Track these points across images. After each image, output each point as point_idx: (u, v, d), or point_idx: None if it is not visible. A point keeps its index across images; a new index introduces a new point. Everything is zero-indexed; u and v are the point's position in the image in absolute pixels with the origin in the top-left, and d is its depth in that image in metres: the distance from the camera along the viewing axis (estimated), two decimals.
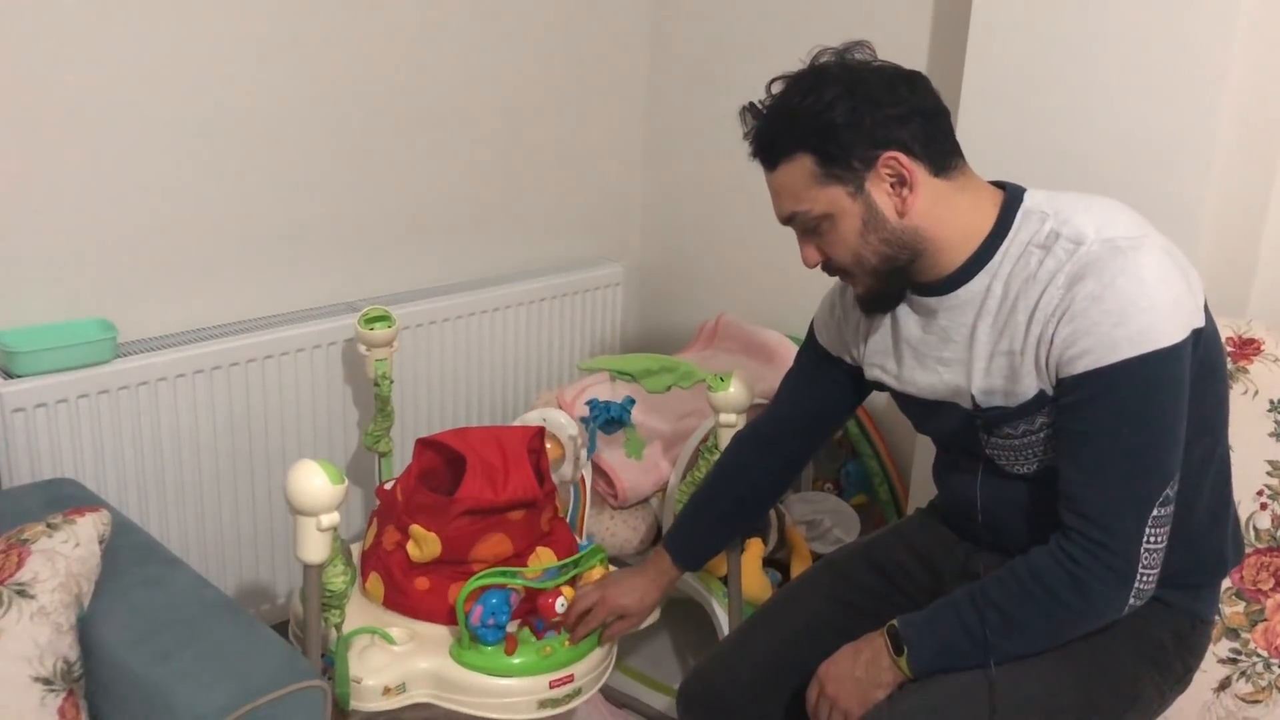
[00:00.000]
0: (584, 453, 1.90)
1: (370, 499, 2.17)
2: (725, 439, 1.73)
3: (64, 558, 1.32)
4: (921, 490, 2.08)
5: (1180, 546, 1.21)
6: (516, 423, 1.98)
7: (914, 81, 1.24)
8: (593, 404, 1.89)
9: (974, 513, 1.37)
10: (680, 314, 2.63)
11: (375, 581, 1.62)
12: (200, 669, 1.26)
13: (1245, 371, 1.51)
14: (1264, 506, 1.47)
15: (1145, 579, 1.17)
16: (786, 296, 2.42)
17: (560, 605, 1.51)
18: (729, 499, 1.59)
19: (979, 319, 1.25)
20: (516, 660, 1.50)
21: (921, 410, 1.38)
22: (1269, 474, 1.47)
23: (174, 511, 1.91)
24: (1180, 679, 1.33)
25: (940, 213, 1.24)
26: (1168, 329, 1.14)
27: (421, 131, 2.19)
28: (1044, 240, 1.20)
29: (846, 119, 1.20)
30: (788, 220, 1.29)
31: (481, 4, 2.21)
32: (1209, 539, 1.31)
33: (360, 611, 1.60)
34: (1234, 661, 1.46)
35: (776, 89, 1.27)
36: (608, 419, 1.88)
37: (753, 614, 1.54)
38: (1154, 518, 1.16)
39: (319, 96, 2.02)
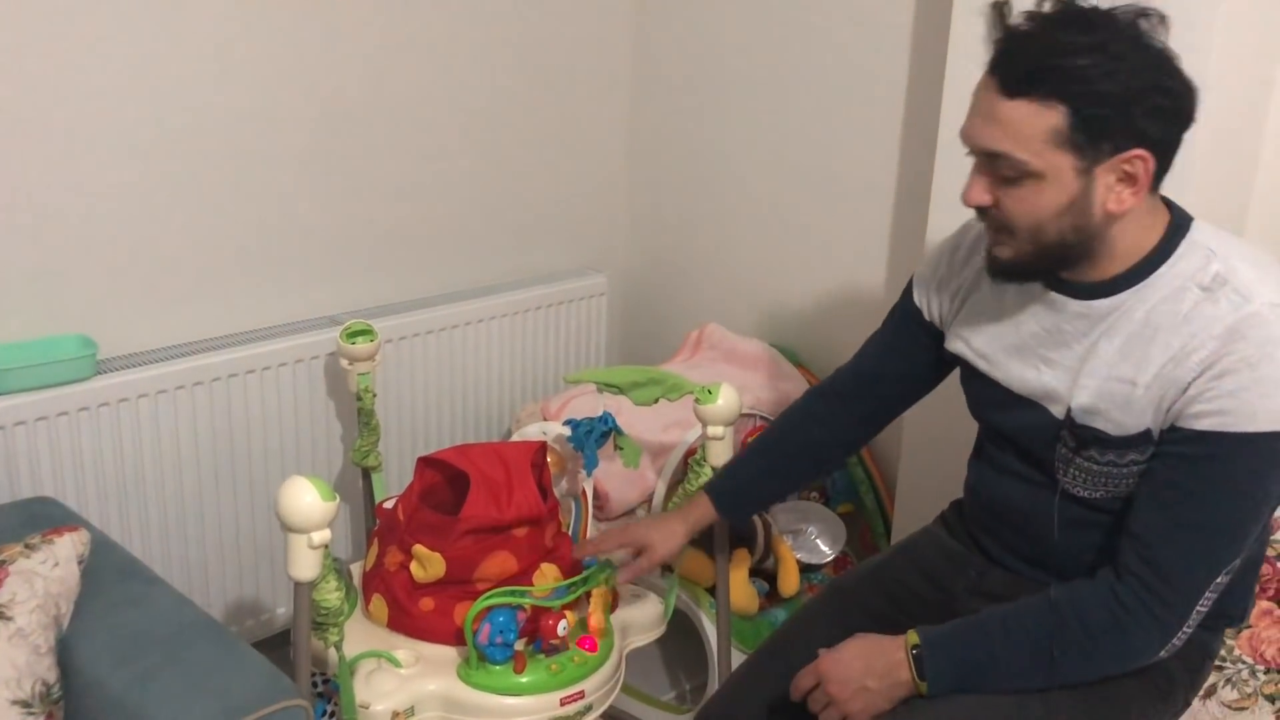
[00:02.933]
0: (583, 472, 1.90)
1: (355, 515, 2.15)
2: (713, 451, 1.73)
3: (42, 578, 1.31)
4: (908, 498, 2.08)
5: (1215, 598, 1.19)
6: (516, 437, 1.97)
7: (1186, 80, 1.12)
8: (574, 424, 1.87)
9: (1037, 528, 1.30)
10: (665, 324, 2.63)
11: (379, 603, 1.61)
12: (181, 690, 1.25)
13: None
14: None
15: (1181, 636, 1.17)
16: (771, 306, 2.43)
17: (562, 628, 1.51)
18: (782, 451, 1.53)
19: (1105, 335, 1.19)
20: (526, 679, 1.48)
21: (999, 400, 1.30)
22: None
23: (156, 529, 1.90)
24: (1179, 711, 1.33)
25: (1134, 224, 1.16)
26: None
27: (402, 143, 2.19)
28: (1209, 283, 1.14)
29: (1124, 97, 1.08)
30: (985, 154, 1.14)
31: (461, 14, 2.21)
32: (1238, 591, 1.29)
33: (365, 634, 1.59)
34: (1220, 669, 1.46)
35: (1052, 9, 1.12)
36: (603, 432, 1.87)
37: (763, 644, 1.52)
38: (1216, 584, 1.15)
39: (298, 110, 2.02)
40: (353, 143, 2.11)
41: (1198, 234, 1.18)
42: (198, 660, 1.30)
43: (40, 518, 1.53)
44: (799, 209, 2.33)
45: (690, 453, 1.95)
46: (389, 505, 1.70)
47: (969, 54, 1.79)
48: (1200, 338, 1.12)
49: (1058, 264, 1.20)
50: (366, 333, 1.91)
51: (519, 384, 2.40)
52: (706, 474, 1.76)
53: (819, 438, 1.52)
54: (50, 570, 1.32)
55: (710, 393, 1.70)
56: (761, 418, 2.09)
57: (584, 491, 1.87)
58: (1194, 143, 1.57)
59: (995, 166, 1.14)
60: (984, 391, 1.33)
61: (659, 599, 1.78)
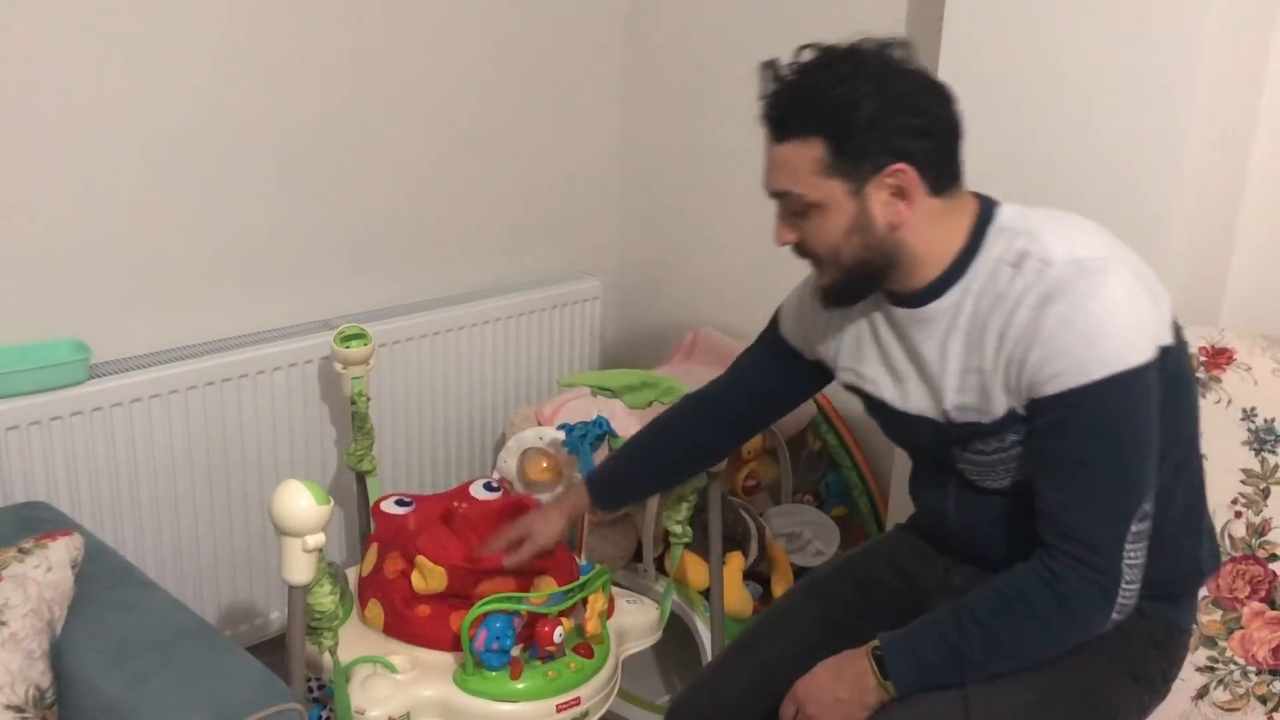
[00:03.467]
0: (578, 475, 1.91)
1: (349, 519, 2.15)
2: None
3: (35, 583, 1.31)
4: (901, 502, 2.08)
5: (1155, 557, 1.22)
6: (511, 443, 1.99)
7: (941, 95, 1.23)
8: (569, 429, 1.88)
9: (948, 526, 1.38)
10: (659, 328, 2.63)
11: (375, 608, 1.61)
12: (175, 694, 1.25)
13: (1218, 381, 1.52)
14: (1239, 515, 1.48)
15: (1126, 594, 1.18)
16: (765, 309, 2.41)
17: (558, 635, 1.51)
18: (658, 450, 1.61)
19: (950, 335, 1.26)
20: (522, 685, 1.49)
21: (893, 419, 1.38)
22: (1243, 482, 1.48)
23: (149, 534, 1.90)
24: (1159, 689, 1.34)
25: (926, 230, 1.24)
26: (1137, 349, 1.15)
27: (396, 147, 2.19)
28: (1014, 259, 1.20)
29: (871, 119, 1.18)
30: (776, 195, 1.27)
31: (455, 19, 2.22)
32: (1183, 549, 1.32)
33: (360, 639, 1.59)
34: (1211, 670, 1.47)
35: (808, 57, 1.24)
36: (599, 435, 1.89)
37: (737, 637, 1.53)
38: (1133, 533, 1.17)
39: (291, 114, 2.02)
40: (346, 147, 2.11)
41: (1003, 218, 1.25)
42: (191, 664, 1.29)
43: (33, 522, 1.53)
44: None
45: None
46: (390, 508, 1.70)
47: (962, 56, 1.81)
48: (1019, 312, 1.18)
49: (870, 280, 1.28)
50: (360, 337, 1.91)
51: (513, 388, 2.40)
52: (701, 478, 1.76)
53: (687, 444, 1.61)
54: (43, 575, 1.32)
55: None
56: None
57: None
58: (1186, 142, 1.60)
59: (787, 205, 1.26)
60: (880, 414, 1.41)
61: (655, 605, 1.78)
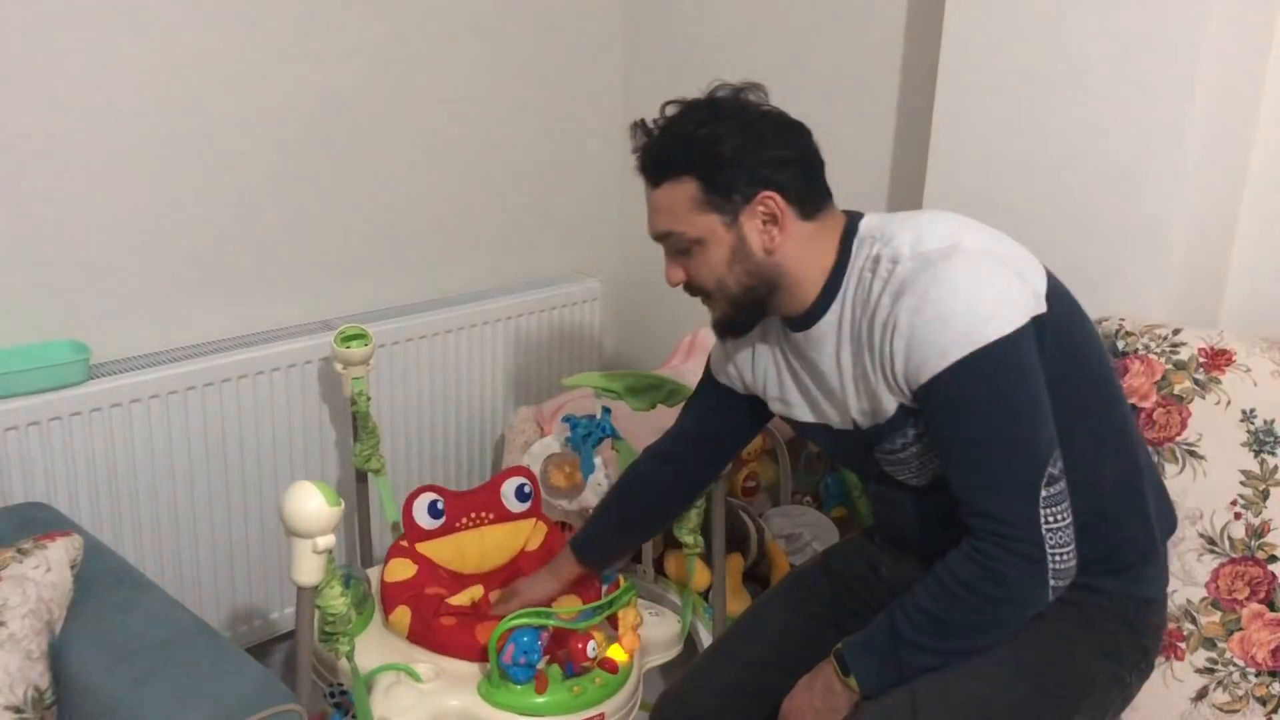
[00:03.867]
0: (580, 476, 1.91)
1: (348, 519, 2.15)
2: None
3: (35, 583, 1.31)
4: None
5: (1098, 531, 1.24)
6: (536, 448, 1.99)
7: (799, 130, 1.32)
8: (573, 422, 1.88)
9: (881, 525, 1.43)
10: (658, 328, 2.63)
11: (402, 614, 1.62)
12: (174, 694, 1.25)
13: (1218, 382, 1.52)
14: (1238, 516, 1.48)
15: (1059, 559, 1.19)
16: None
17: (591, 649, 1.52)
18: (627, 507, 1.66)
19: (840, 348, 1.32)
20: (547, 699, 1.49)
21: (820, 436, 1.43)
22: (1242, 484, 1.48)
23: (148, 535, 1.90)
24: (1138, 664, 1.35)
25: (801, 252, 1.31)
26: (994, 323, 1.18)
27: (396, 147, 2.19)
28: (871, 264, 1.27)
29: (735, 154, 1.27)
30: (661, 238, 1.35)
31: (456, 20, 2.22)
32: (1127, 517, 1.32)
33: (384, 644, 1.60)
34: (1210, 671, 1.47)
35: (671, 111, 1.34)
36: (601, 437, 1.89)
37: (723, 633, 1.56)
38: (1044, 498, 1.18)
39: (293, 114, 2.02)
40: (346, 147, 2.11)
41: (864, 228, 1.32)
42: (191, 665, 1.29)
43: (32, 522, 1.53)
44: None
45: None
46: (424, 518, 1.76)
47: (962, 56, 1.81)
48: (878, 313, 1.24)
49: (757, 307, 1.35)
50: (361, 337, 1.91)
51: (512, 388, 2.40)
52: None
53: (652, 498, 1.66)
54: (43, 575, 1.32)
55: None
56: None
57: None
58: (1186, 142, 1.60)
59: (672, 245, 1.34)
60: (807, 434, 1.46)
61: (676, 617, 1.78)
